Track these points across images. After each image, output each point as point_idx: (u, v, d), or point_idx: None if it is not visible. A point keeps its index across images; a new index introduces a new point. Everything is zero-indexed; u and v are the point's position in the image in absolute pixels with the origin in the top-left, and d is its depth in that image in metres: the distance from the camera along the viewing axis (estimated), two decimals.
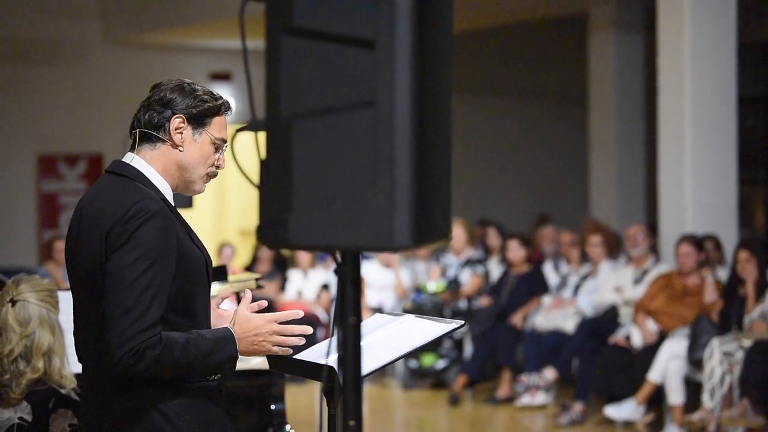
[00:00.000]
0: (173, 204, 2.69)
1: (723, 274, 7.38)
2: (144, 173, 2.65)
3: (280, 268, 10.28)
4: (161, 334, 2.48)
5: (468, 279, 9.32)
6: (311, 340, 2.83)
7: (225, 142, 2.73)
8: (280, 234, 1.87)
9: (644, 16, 10.28)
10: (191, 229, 2.67)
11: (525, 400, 8.12)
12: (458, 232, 9.32)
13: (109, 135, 11.24)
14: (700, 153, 7.68)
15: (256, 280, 3.99)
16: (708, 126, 7.72)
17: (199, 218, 10.65)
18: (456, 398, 8.42)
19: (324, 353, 2.80)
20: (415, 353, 7.75)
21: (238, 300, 4.06)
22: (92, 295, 2.57)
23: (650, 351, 7.26)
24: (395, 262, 9.71)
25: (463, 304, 9.19)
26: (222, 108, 2.72)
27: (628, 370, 7.41)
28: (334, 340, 2.00)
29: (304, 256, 9.94)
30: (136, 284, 2.47)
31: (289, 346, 2.69)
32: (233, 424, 2.80)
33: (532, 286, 8.75)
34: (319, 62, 1.84)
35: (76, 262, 2.62)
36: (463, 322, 3.01)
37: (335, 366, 2.01)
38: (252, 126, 1.95)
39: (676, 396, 7.02)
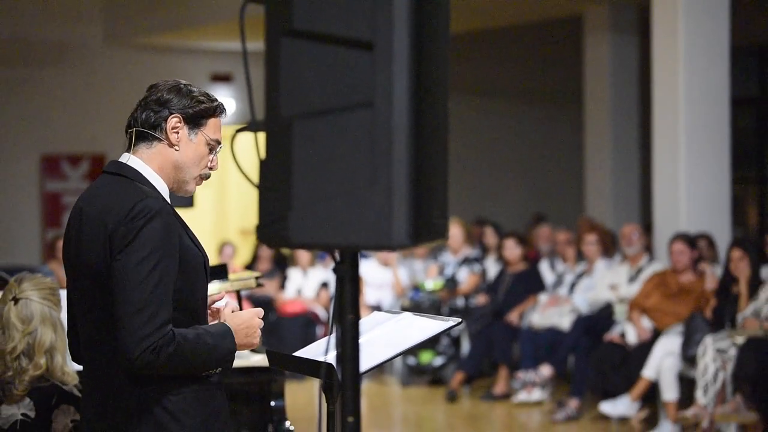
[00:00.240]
0: (171, 203, 2.71)
1: (716, 272, 7.42)
2: (141, 173, 2.66)
3: (280, 266, 10.30)
4: (173, 330, 2.52)
5: (465, 277, 9.34)
6: (311, 338, 2.87)
7: (219, 143, 2.75)
8: (279, 233, 1.88)
9: (639, 17, 10.30)
10: (188, 228, 2.70)
11: (521, 396, 8.15)
12: (455, 231, 9.34)
13: (111, 135, 11.22)
14: (694, 153, 7.71)
15: (257, 278, 4.03)
16: (702, 126, 7.75)
17: (200, 218, 10.71)
18: (453, 395, 8.45)
19: (323, 350, 2.83)
20: (413, 350, 7.78)
21: (239, 298, 4.11)
22: (96, 294, 2.59)
23: (645, 348, 7.30)
24: (393, 260, 9.73)
25: (460, 302, 9.21)
26: (218, 109, 2.73)
27: (622, 367, 7.44)
28: (333, 337, 2.03)
29: (303, 255, 9.94)
30: (145, 283, 2.49)
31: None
32: (233, 420, 2.84)
33: (528, 284, 8.78)
34: (318, 63, 1.85)
35: (77, 261, 2.63)
36: (460, 319, 3.05)
37: (334, 363, 2.01)
38: (252, 126, 1.96)
39: (670, 392, 7.05)
